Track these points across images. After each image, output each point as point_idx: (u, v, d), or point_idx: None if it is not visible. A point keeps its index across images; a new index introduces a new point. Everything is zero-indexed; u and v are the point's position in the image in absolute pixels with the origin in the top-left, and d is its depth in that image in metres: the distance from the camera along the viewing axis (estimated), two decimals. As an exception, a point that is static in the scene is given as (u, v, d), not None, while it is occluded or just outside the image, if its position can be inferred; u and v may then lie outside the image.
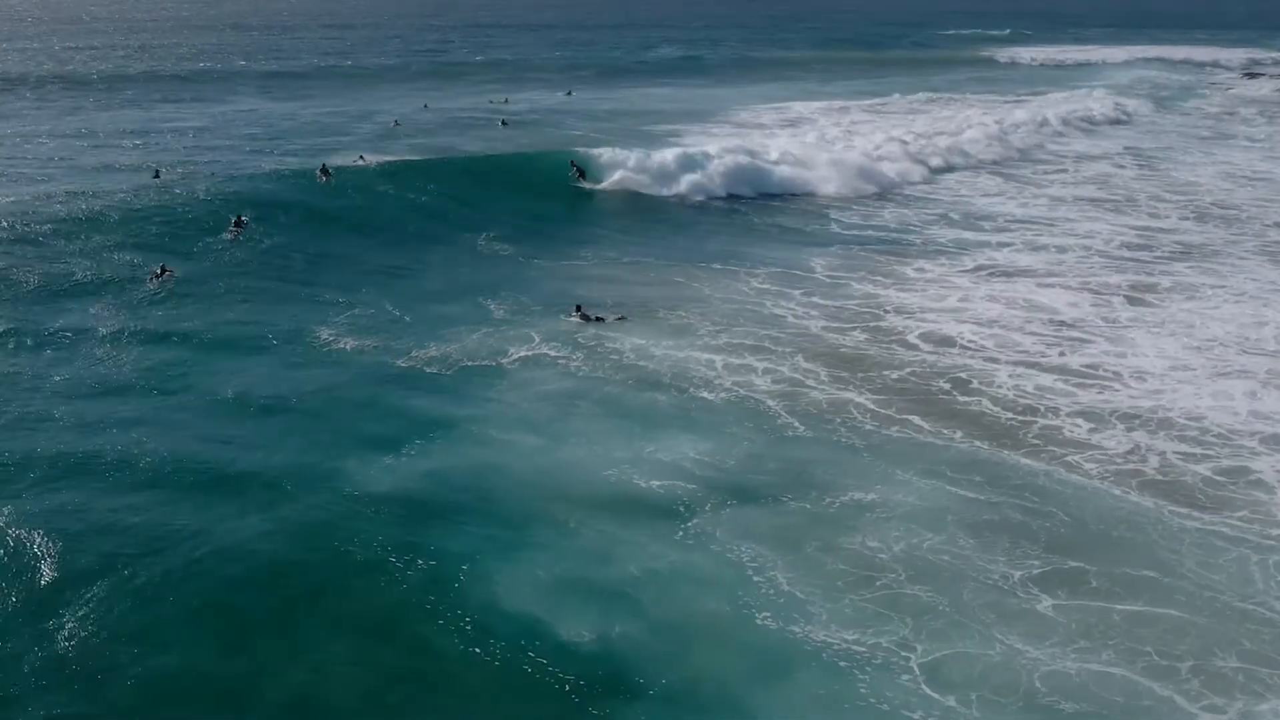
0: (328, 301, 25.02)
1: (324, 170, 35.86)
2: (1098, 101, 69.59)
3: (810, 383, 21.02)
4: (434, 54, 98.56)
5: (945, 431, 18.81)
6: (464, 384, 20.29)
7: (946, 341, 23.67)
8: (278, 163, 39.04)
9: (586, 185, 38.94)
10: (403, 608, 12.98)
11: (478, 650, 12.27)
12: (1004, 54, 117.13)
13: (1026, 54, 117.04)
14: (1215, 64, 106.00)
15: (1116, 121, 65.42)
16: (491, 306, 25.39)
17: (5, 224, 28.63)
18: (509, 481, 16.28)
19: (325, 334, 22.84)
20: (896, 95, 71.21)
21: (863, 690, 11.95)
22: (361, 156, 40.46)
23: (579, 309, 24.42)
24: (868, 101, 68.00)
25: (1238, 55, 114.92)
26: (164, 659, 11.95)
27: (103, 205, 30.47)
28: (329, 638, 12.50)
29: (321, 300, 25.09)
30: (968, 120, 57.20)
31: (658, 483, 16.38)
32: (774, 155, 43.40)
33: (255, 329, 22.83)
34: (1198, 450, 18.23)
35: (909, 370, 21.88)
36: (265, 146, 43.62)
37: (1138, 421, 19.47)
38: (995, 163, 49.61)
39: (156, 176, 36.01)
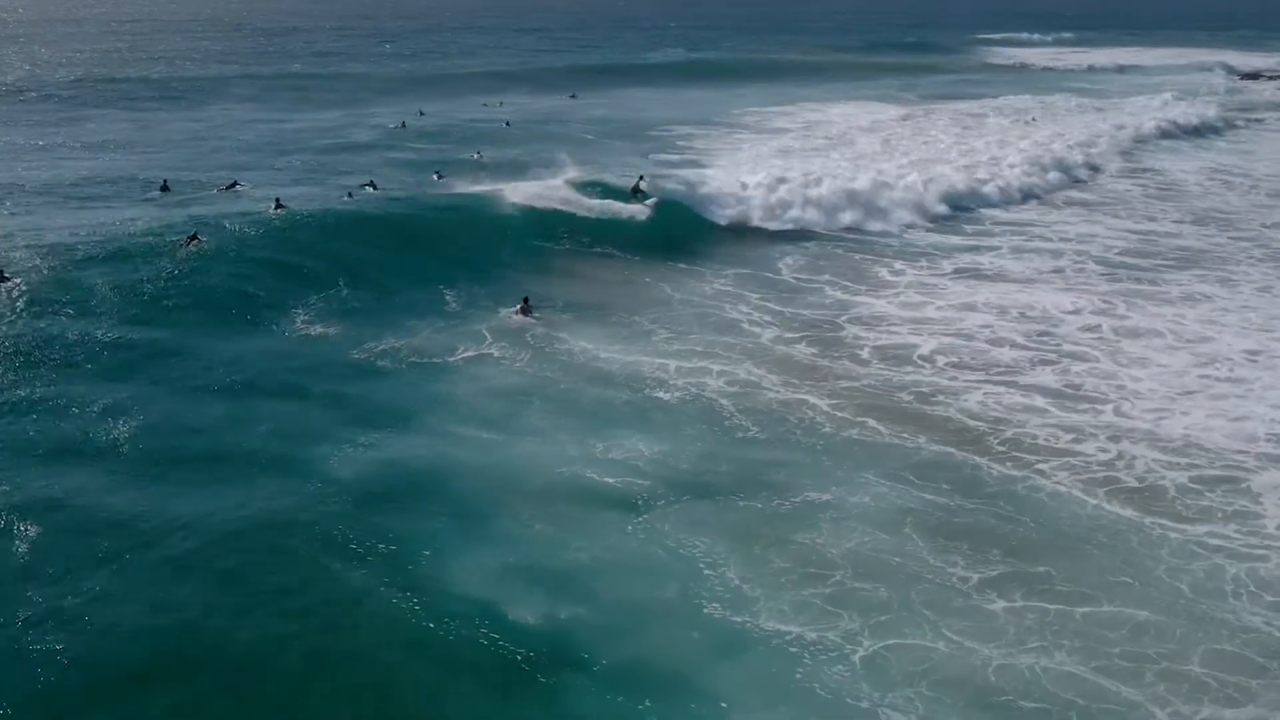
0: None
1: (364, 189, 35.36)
2: (1176, 109, 64.26)
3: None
4: (429, 56, 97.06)
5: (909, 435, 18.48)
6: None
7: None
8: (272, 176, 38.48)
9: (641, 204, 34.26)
10: (362, 589, 13.11)
11: (432, 627, 12.46)
12: (1033, 56, 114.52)
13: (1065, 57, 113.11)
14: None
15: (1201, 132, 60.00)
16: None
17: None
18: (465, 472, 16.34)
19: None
20: (954, 103, 67.89)
21: (802, 677, 11.95)
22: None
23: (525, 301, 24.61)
24: (909, 108, 64.45)
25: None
26: (118, 643, 12.02)
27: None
28: (288, 616, 12.60)
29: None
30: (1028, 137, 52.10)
31: (612, 478, 16.34)
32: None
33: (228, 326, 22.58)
34: (1176, 459, 17.84)
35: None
36: (256, 161, 42.67)
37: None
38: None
39: (165, 189, 35.46)
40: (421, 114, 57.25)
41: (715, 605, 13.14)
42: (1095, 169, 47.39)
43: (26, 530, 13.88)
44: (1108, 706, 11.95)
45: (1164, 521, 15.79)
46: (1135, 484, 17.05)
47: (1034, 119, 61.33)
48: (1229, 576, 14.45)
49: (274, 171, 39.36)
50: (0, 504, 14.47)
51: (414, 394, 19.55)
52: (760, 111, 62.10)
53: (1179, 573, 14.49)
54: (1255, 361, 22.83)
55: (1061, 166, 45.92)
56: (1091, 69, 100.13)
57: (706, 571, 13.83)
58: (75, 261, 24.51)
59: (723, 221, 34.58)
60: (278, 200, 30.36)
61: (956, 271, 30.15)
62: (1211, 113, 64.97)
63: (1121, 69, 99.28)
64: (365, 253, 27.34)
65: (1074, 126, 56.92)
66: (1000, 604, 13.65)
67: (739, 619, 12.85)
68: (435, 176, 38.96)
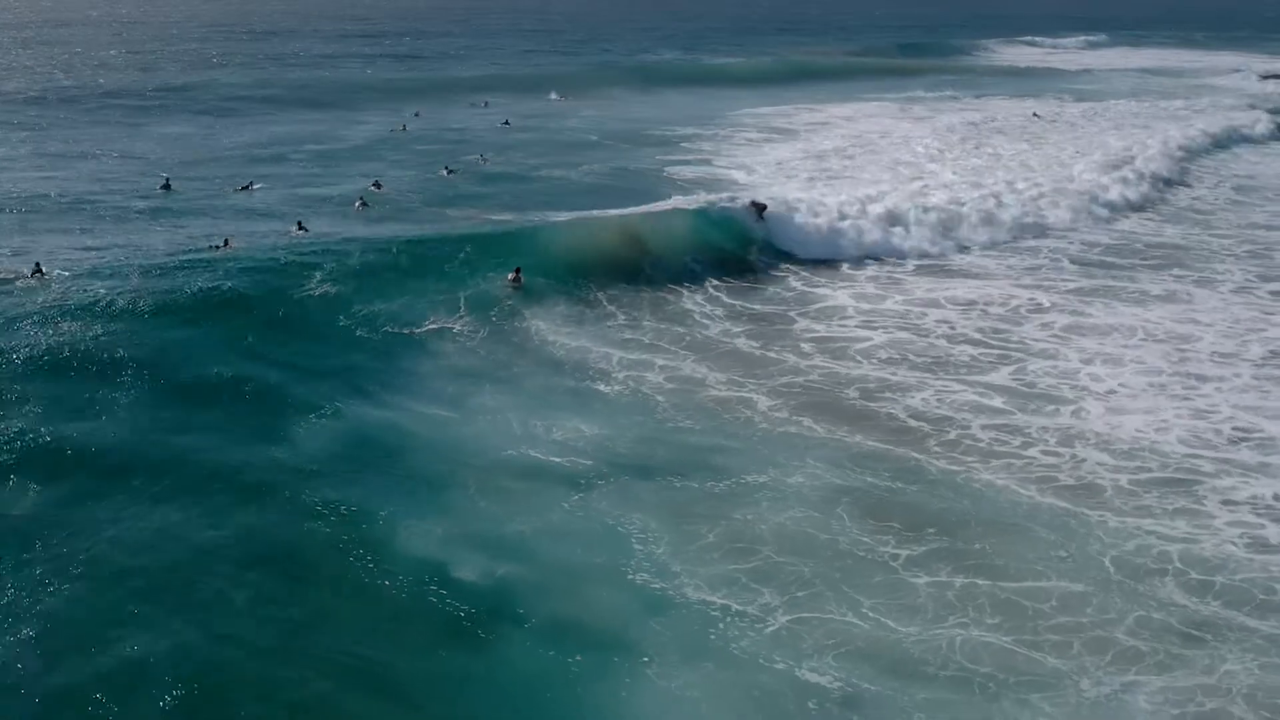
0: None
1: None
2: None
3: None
4: (419, 59, 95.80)
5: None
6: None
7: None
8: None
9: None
10: (319, 550, 14.12)
11: (385, 584, 13.49)
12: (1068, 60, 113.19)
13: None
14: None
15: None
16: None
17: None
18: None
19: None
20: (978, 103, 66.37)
21: (720, 641, 12.73)
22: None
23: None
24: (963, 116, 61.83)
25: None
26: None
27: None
28: (249, 574, 13.54)
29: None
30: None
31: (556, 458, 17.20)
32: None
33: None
34: (1122, 461, 18.20)
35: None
36: (258, 163, 43.10)
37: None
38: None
39: (166, 188, 36.13)
40: (417, 115, 57.66)
41: (643, 574, 13.92)
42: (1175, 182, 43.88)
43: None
44: (1030, 677, 12.49)
45: (1102, 512, 16.17)
46: (1078, 480, 17.37)
47: (1036, 114, 61.68)
48: (1156, 554, 14.87)
49: (283, 174, 40.16)
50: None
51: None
52: (756, 113, 61.80)
53: (1109, 549, 14.92)
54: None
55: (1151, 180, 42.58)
56: (1120, 71, 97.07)
57: (637, 543, 14.64)
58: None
59: (812, 254, 30.51)
60: (299, 223, 29.88)
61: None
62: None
63: (1153, 71, 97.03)
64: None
65: (1135, 134, 53.38)
66: (926, 579, 14.07)
67: (665, 587, 13.60)
68: (445, 172, 40.23)
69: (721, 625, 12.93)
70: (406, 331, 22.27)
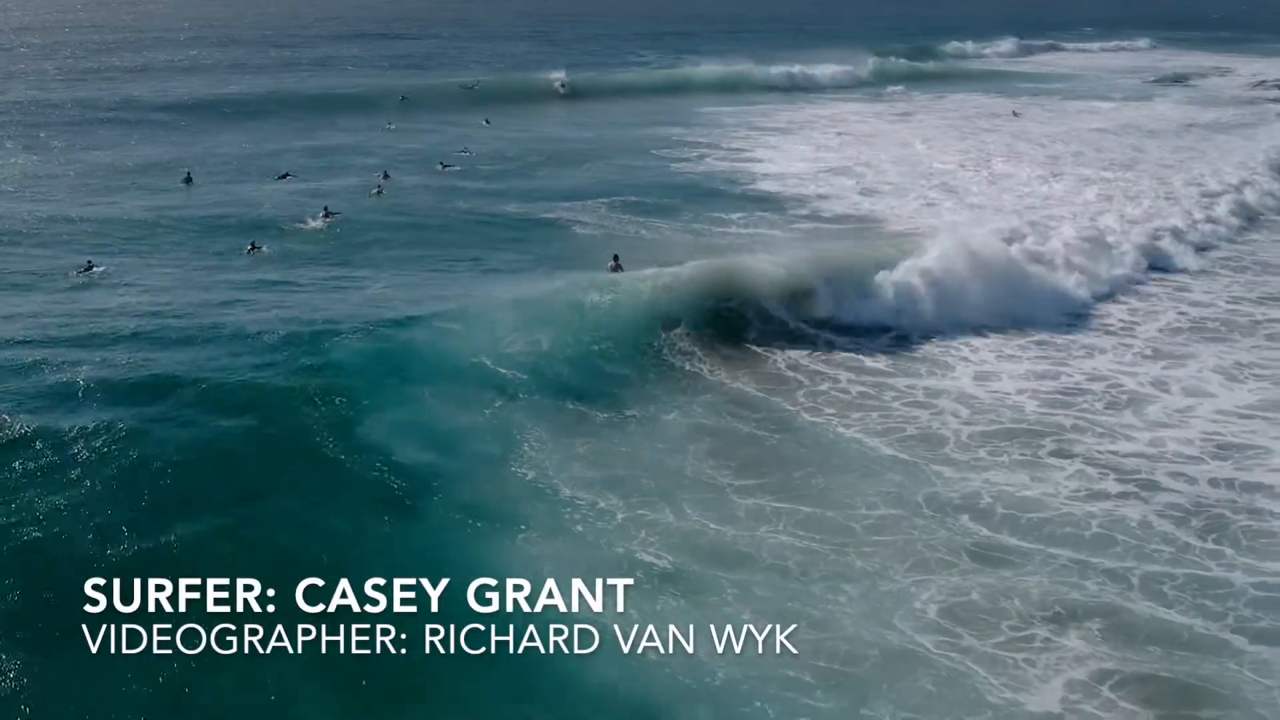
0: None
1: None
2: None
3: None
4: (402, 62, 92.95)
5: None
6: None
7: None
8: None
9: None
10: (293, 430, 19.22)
11: (343, 460, 18.51)
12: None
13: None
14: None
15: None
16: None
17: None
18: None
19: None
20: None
21: (575, 525, 17.82)
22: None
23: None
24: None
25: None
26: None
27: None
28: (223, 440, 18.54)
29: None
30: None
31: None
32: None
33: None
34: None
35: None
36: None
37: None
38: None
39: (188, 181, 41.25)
40: (403, 98, 62.33)
41: (531, 471, 19.16)
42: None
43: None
44: (838, 571, 16.51)
45: (939, 465, 20.35)
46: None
47: (1016, 113, 64.64)
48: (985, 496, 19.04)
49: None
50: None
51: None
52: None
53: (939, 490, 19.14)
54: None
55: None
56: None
57: (530, 449, 19.86)
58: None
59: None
60: (326, 209, 35.48)
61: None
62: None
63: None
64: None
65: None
66: (751, 500, 18.67)
67: (543, 483, 18.83)
68: (440, 167, 45.47)
69: (579, 515, 17.88)
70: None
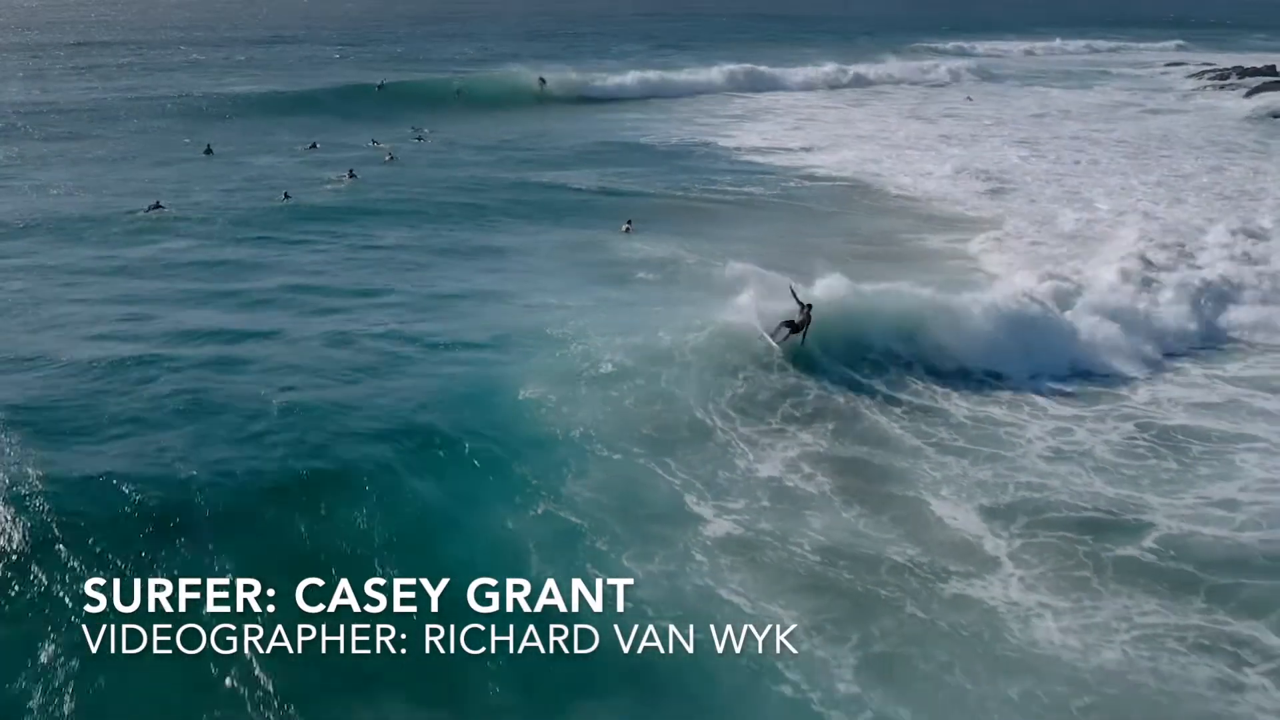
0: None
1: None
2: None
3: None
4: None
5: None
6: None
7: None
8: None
9: None
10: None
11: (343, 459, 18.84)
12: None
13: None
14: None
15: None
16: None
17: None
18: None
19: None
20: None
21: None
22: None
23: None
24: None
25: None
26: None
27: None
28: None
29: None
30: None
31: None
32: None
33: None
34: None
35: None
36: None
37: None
38: None
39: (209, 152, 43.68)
40: (382, 85, 63.30)
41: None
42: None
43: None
44: None
45: None
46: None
47: (970, 98, 65.71)
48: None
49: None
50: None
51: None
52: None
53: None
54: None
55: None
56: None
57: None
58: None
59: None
60: (350, 170, 38.83)
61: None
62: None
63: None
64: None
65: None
66: None
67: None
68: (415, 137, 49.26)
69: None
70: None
